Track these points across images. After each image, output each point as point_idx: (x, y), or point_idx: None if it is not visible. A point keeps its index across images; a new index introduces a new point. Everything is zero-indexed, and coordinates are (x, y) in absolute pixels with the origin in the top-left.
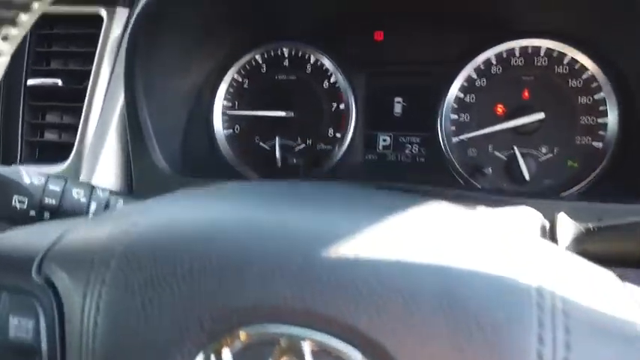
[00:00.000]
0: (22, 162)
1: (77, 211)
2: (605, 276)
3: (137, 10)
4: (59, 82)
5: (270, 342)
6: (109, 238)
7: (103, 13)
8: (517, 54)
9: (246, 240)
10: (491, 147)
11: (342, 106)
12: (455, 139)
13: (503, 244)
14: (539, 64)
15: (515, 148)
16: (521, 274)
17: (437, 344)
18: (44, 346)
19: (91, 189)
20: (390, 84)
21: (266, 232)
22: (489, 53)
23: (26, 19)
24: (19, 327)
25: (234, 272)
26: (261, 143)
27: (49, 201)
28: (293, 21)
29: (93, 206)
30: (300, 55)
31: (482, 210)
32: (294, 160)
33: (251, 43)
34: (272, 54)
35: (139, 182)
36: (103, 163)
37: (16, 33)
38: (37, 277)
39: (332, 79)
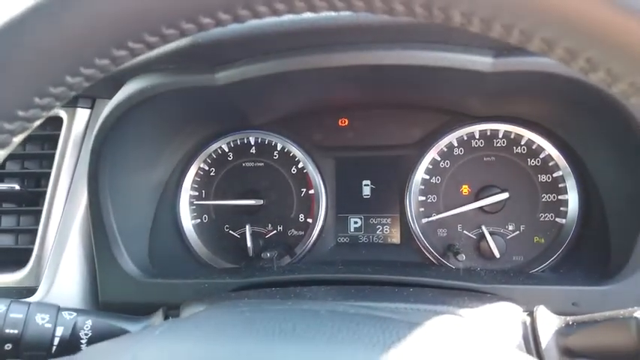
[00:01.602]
0: None
1: (42, 338)
2: None
3: (104, 114)
4: (16, 185)
5: None
6: None
7: (63, 114)
8: (477, 136)
9: None
10: (460, 227)
11: (311, 191)
12: (424, 220)
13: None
14: (498, 145)
15: (483, 227)
16: None
17: None
18: None
19: (57, 311)
20: (358, 167)
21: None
22: (451, 137)
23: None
24: None
25: None
26: (230, 232)
27: (11, 331)
28: (258, 113)
29: (59, 330)
30: (266, 142)
31: (465, 313)
32: (266, 251)
33: (217, 133)
34: (238, 142)
35: (105, 288)
36: (66, 269)
37: None
38: None
39: (299, 165)
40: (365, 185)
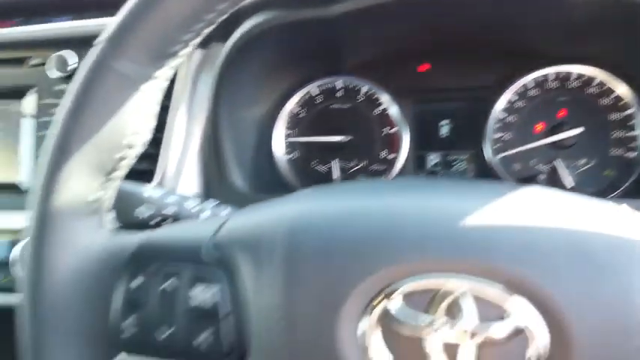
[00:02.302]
0: None
1: (191, 219)
2: None
3: (225, 48)
4: None
5: (430, 293)
6: (272, 220)
7: None
8: (551, 78)
9: (399, 209)
10: (534, 161)
11: (392, 131)
12: (500, 155)
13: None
14: (571, 86)
15: (556, 161)
16: None
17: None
18: (224, 309)
19: (200, 202)
20: (436, 108)
21: (416, 203)
22: (527, 79)
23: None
24: (201, 294)
25: (392, 236)
26: (318, 166)
27: (167, 212)
28: (351, 53)
29: (205, 214)
30: (351, 87)
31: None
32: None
33: (307, 78)
34: (326, 87)
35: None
36: (183, 190)
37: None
38: (209, 256)
39: (382, 107)
40: (443, 125)
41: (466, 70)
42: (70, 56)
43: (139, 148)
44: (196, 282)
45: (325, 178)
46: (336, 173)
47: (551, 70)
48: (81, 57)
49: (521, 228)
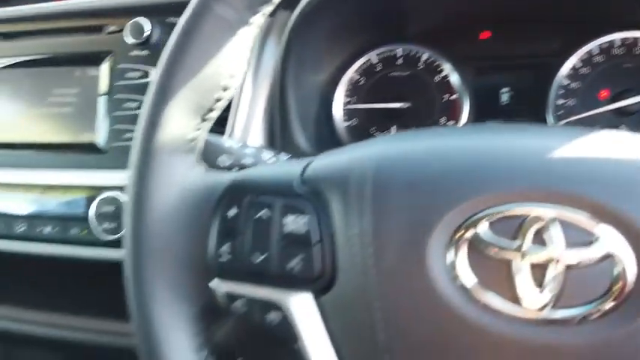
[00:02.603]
0: None
1: None
2: None
3: (296, 13)
4: None
5: (517, 220)
6: (360, 156)
7: None
8: (617, 44)
9: (485, 143)
10: (598, 128)
11: (452, 97)
12: (563, 122)
13: None
14: (637, 53)
15: (620, 127)
16: None
17: None
18: (315, 237)
19: (277, 153)
20: (497, 76)
21: (501, 138)
22: (591, 45)
23: None
24: (293, 223)
25: (478, 167)
26: (377, 133)
27: (247, 162)
28: (407, 26)
29: None
30: (412, 54)
31: None
32: None
33: (367, 46)
34: (386, 55)
35: None
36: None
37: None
38: (300, 190)
39: (443, 74)
40: (503, 93)
41: (529, 37)
42: (145, 23)
43: (232, 91)
44: (288, 212)
45: None
46: None
47: (617, 37)
48: (154, 24)
49: (605, 159)
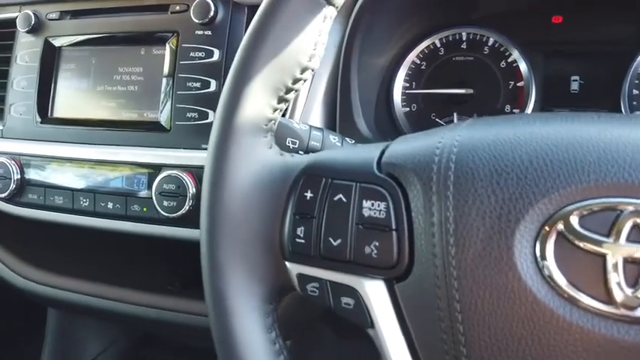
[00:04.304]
0: None
1: None
2: None
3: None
4: None
5: (609, 214)
6: (442, 141)
7: None
8: None
9: (574, 131)
10: None
11: (519, 84)
12: (637, 113)
13: None
14: None
15: None
16: None
17: None
18: (393, 224)
19: (342, 137)
20: (567, 62)
21: (592, 127)
22: None
23: None
24: (372, 208)
25: (569, 157)
26: (437, 119)
27: (314, 144)
28: (474, 8)
29: None
30: (477, 38)
31: None
32: None
33: (431, 29)
34: (450, 38)
35: None
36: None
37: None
38: (379, 173)
39: (510, 59)
40: (574, 80)
41: (603, 23)
42: (210, 3)
43: (310, 72)
44: (365, 197)
45: None
46: None
47: None
48: (218, 4)
49: None
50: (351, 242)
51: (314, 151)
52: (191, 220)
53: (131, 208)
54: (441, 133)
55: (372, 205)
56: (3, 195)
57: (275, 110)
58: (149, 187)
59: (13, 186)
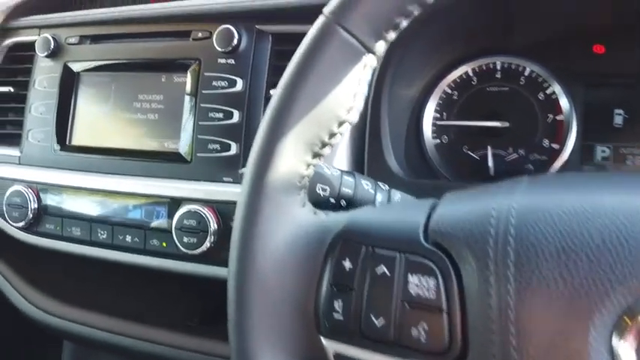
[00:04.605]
0: None
1: (366, 201)
2: None
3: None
4: None
5: None
6: (498, 211)
7: None
8: None
9: None
10: None
11: (559, 117)
12: None
13: None
14: None
15: None
16: None
17: None
18: (444, 303)
19: (375, 182)
20: (610, 95)
21: None
22: None
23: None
24: (419, 285)
25: None
26: (469, 152)
27: (346, 191)
28: (510, 37)
29: (379, 197)
30: (513, 67)
31: None
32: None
33: (463, 57)
34: (484, 67)
35: None
36: (337, 165)
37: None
38: (426, 243)
39: (548, 90)
40: (617, 114)
41: None
42: (234, 30)
43: (347, 126)
44: (412, 271)
45: (478, 167)
46: (490, 161)
47: None
48: (242, 32)
49: None
50: (396, 322)
51: (346, 198)
52: (212, 257)
53: (150, 242)
54: (495, 199)
55: (420, 281)
56: (20, 224)
57: (309, 166)
58: (169, 220)
59: (30, 215)
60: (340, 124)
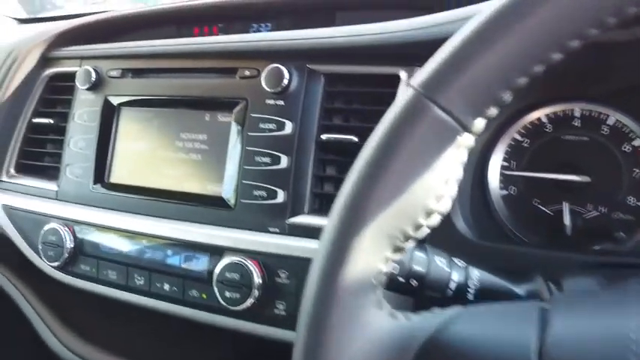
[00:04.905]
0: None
1: (441, 280)
2: None
3: None
4: (355, 138)
5: None
6: (635, 336)
7: (402, 73)
8: None
9: None
10: None
11: None
12: None
13: None
14: None
15: None
16: None
17: None
18: None
19: (450, 258)
20: None
21: None
22: None
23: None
24: None
25: None
26: (541, 207)
27: (418, 269)
28: (592, 81)
29: (455, 275)
30: (594, 115)
31: None
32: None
33: (537, 102)
34: (560, 114)
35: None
36: None
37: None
38: None
39: (635, 142)
40: None
41: None
42: (284, 70)
43: (437, 218)
44: None
45: (550, 223)
46: (567, 219)
47: None
48: (292, 71)
49: None
50: None
51: (417, 277)
52: (255, 314)
53: (189, 292)
54: (628, 314)
55: None
56: (56, 264)
57: (388, 261)
58: (209, 270)
59: (65, 255)
60: (428, 214)
